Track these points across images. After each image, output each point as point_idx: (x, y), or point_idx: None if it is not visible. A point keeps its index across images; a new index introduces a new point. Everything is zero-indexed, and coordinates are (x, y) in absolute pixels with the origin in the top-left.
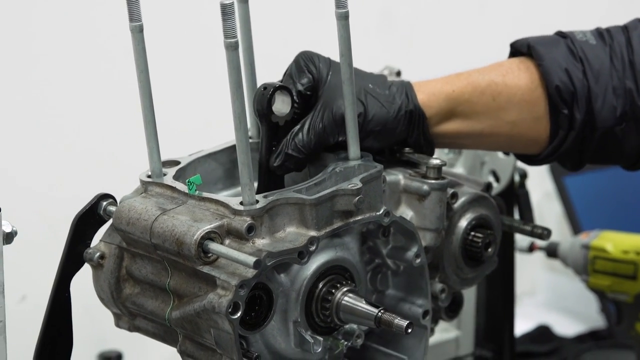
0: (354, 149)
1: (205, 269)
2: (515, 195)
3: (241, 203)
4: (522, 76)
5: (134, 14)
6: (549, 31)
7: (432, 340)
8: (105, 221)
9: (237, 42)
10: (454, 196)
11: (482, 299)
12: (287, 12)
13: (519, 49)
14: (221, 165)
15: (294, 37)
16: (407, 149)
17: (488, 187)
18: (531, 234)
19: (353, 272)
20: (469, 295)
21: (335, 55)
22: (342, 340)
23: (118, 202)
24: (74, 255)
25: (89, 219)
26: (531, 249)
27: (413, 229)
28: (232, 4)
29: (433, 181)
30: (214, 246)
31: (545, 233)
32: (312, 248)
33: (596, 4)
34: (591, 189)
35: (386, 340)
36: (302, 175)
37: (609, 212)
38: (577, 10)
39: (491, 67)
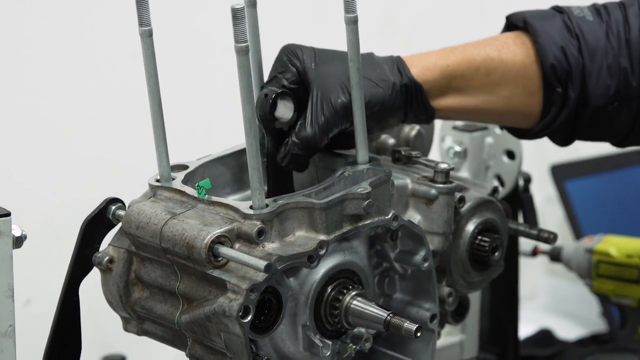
0: (362, 153)
1: (216, 273)
2: (520, 199)
3: (251, 207)
4: (517, 51)
5: (143, 19)
6: None
7: (437, 343)
8: (114, 225)
9: (247, 47)
10: (462, 200)
11: (486, 302)
12: (290, 16)
13: (514, 23)
14: (229, 170)
15: (297, 40)
16: (414, 152)
17: (495, 191)
18: (538, 238)
19: (361, 275)
20: (473, 299)
21: None
22: (351, 344)
23: (127, 206)
24: (82, 259)
25: (97, 223)
26: (534, 253)
27: (421, 233)
28: (243, 8)
29: (441, 185)
30: (225, 250)
31: (551, 237)
32: (322, 252)
33: None
34: (592, 193)
35: (393, 344)
36: (310, 179)
37: (610, 216)
38: None
39: (486, 41)
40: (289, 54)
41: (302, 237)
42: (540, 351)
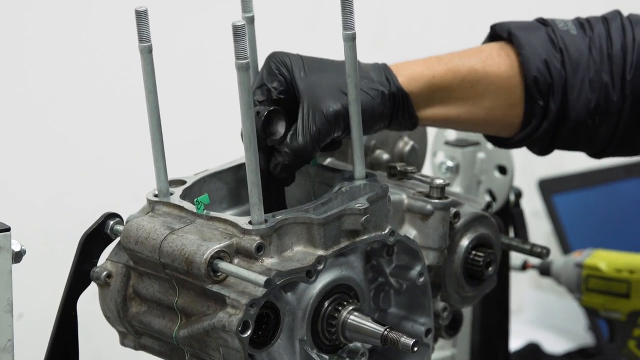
0: (359, 168)
1: (215, 288)
2: (510, 214)
3: (250, 222)
4: (501, 63)
5: (143, 35)
6: None
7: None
8: (112, 240)
9: (248, 63)
10: (456, 215)
11: (477, 316)
12: (283, 28)
13: (499, 33)
14: (226, 185)
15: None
16: (410, 168)
17: (488, 206)
18: (530, 252)
19: (358, 290)
20: (465, 313)
21: None
22: (347, 359)
23: (124, 221)
24: (80, 274)
25: (95, 238)
26: (524, 267)
27: (417, 248)
28: (244, 25)
29: (437, 201)
30: (224, 265)
31: (544, 252)
32: (320, 267)
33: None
34: (580, 208)
35: (388, 359)
36: (306, 195)
37: (598, 230)
38: None
39: (471, 51)
40: (277, 63)
41: (300, 252)
42: None
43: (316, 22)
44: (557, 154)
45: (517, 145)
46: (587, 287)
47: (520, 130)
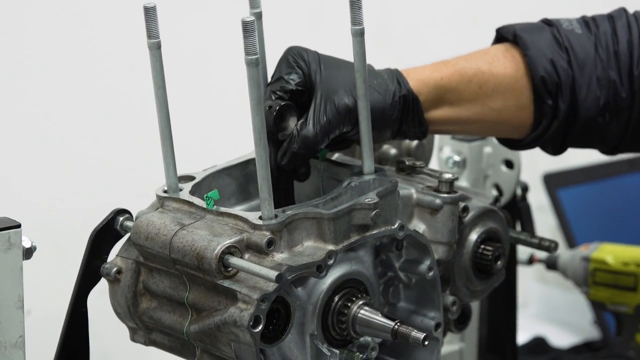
0: (368, 163)
1: (226, 283)
2: (517, 208)
3: (260, 217)
4: (507, 65)
5: (152, 31)
6: None
7: None
8: (121, 236)
9: (257, 59)
10: (465, 210)
11: (484, 311)
12: (287, 24)
13: (504, 36)
14: (234, 180)
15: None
16: (418, 163)
17: (496, 200)
18: (539, 246)
19: (367, 285)
20: (473, 307)
21: None
22: (357, 353)
23: (134, 217)
24: (90, 271)
25: (105, 234)
26: (531, 261)
27: (426, 243)
28: (254, 21)
29: (445, 195)
30: (235, 260)
31: (552, 246)
32: (331, 262)
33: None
34: (585, 202)
35: (398, 353)
36: (315, 190)
37: (602, 224)
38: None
39: (477, 54)
40: (295, 56)
41: (310, 247)
42: (536, 359)
43: (319, 19)
44: None
45: (530, 146)
46: (594, 280)
47: (532, 131)
